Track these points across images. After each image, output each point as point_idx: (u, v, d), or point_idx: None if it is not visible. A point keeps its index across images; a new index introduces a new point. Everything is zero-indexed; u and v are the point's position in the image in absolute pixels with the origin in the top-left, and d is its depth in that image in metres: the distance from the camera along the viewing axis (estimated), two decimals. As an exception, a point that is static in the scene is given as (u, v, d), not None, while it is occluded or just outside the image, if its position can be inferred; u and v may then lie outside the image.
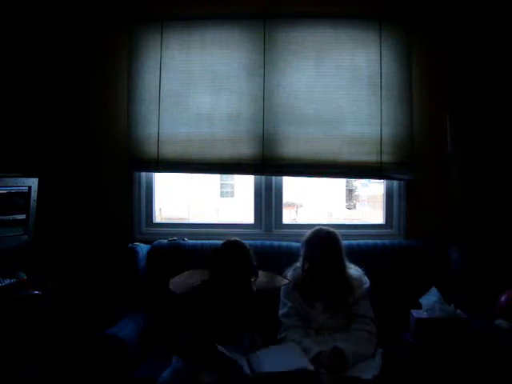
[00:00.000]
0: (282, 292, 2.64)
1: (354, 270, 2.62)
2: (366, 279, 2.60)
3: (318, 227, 2.67)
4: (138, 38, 3.20)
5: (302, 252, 2.63)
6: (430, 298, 2.50)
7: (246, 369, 2.19)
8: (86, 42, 3.23)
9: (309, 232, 2.66)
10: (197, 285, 2.51)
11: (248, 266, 2.49)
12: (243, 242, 2.56)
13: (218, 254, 2.52)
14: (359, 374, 2.20)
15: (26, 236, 2.81)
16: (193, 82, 3.19)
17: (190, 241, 3.05)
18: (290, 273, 2.66)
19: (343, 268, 2.58)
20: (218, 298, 2.44)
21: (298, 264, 2.66)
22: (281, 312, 2.60)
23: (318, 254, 2.54)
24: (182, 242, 3.04)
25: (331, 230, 2.64)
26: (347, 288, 2.54)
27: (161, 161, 3.19)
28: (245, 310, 2.47)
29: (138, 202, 3.29)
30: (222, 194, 9.17)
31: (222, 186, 9.14)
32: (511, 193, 3.09)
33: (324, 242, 2.57)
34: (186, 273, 2.61)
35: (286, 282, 2.59)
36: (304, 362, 2.23)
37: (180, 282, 2.56)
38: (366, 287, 2.57)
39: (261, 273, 2.61)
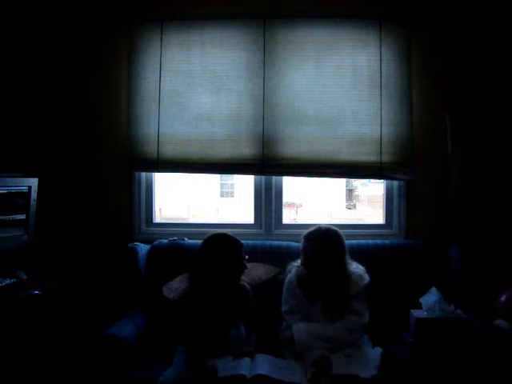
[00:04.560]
0: (285, 288, 2.65)
1: (355, 267, 2.63)
2: (366, 276, 2.60)
3: (319, 225, 2.68)
4: (138, 38, 3.20)
5: (300, 247, 2.64)
6: (430, 297, 2.50)
7: (245, 370, 2.19)
8: (86, 42, 3.23)
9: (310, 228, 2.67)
10: (185, 291, 2.54)
11: (235, 261, 2.52)
12: (233, 236, 2.58)
13: (206, 248, 2.56)
14: (358, 373, 2.20)
15: (26, 236, 2.81)
16: (193, 82, 3.19)
17: (190, 241, 3.04)
18: (293, 269, 2.67)
19: (343, 265, 2.58)
20: (206, 297, 2.47)
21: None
22: (283, 308, 2.61)
23: (314, 248, 2.55)
24: (181, 241, 3.04)
25: (333, 227, 2.64)
26: (347, 286, 2.54)
27: (161, 161, 3.19)
28: (233, 302, 2.51)
29: (138, 202, 3.29)
30: (222, 194, 9.18)
31: (222, 186, 9.16)
32: (511, 193, 3.09)
33: (321, 237, 2.57)
34: (178, 277, 2.64)
35: (276, 270, 2.70)
36: (299, 379, 2.21)
37: (173, 287, 2.59)
38: (364, 283, 2.57)
39: (250, 265, 2.66)
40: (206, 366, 2.22)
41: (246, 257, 2.59)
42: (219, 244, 2.54)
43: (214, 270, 2.49)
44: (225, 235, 2.57)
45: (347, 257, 2.63)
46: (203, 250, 2.57)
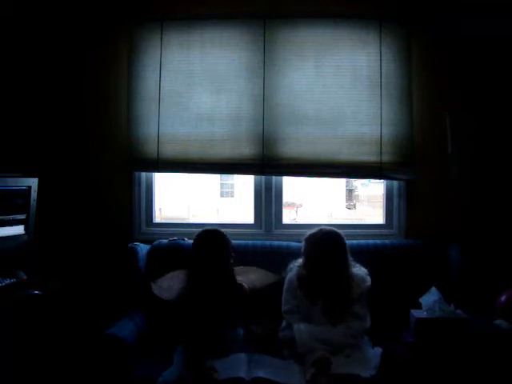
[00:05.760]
0: (285, 288, 2.65)
1: (358, 269, 2.63)
2: (368, 279, 2.60)
3: (321, 227, 2.68)
4: (138, 38, 3.20)
5: (302, 249, 2.64)
6: (430, 297, 2.50)
7: (243, 373, 2.19)
8: (86, 42, 3.23)
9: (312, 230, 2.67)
10: (179, 290, 2.55)
11: (225, 254, 2.55)
12: (219, 230, 2.62)
13: (196, 243, 2.61)
14: (359, 372, 2.20)
15: (26, 236, 2.81)
16: (193, 82, 3.19)
17: (190, 241, 3.03)
18: (294, 269, 2.67)
19: (344, 266, 2.58)
20: (201, 295, 2.48)
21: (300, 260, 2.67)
22: (284, 308, 2.61)
23: (315, 249, 2.56)
24: (181, 241, 3.04)
25: (334, 229, 2.65)
26: (348, 288, 2.54)
27: (161, 161, 3.19)
28: (231, 301, 2.51)
29: (138, 202, 3.29)
30: (222, 194, 9.17)
31: (222, 186, 9.15)
32: (511, 193, 3.09)
33: (323, 238, 2.58)
34: (169, 275, 2.65)
35: (277, 277, 2.69)
36: (298, 381, 2.22)
37: (164, 286, 2.60)
38: (366, 286, 2.58)
39: (249, 268, 2.67)
40: (205, 368, 2.21)
41: (233, 254, 2.61)
42: (203, 237, 2.60)
43: (202, 263, 2.51)
44: (212, 229, 2.63)
45: (350, 258, 2.63)
46: (192, 246, 2.63)
